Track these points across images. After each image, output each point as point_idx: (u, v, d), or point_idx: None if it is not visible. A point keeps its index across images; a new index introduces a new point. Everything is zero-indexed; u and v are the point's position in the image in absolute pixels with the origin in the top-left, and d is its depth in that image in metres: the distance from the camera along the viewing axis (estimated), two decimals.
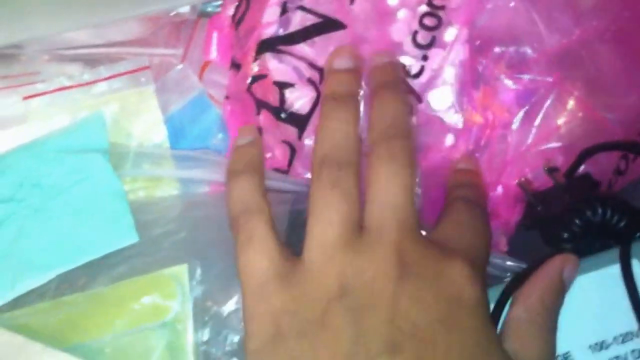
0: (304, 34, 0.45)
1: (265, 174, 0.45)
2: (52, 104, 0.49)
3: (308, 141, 0.45)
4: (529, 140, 0.43)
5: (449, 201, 0.40)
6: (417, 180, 0.40)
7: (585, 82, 0.43)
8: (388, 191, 0.36)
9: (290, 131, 0.45)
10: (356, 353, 0.33)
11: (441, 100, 0.43)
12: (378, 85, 0.41)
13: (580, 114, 0.43)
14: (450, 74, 0.43)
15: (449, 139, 0.43)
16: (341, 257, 0.35)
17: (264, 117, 0.46)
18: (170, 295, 0.39)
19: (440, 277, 0.34)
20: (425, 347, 0.33)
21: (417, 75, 0.43)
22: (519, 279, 0.37)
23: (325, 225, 0.36)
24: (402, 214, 0.36)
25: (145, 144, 0.48)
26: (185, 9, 0.50)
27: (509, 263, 0.41)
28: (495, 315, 0.36)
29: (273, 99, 0.45)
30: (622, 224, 0.38)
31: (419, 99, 0.43)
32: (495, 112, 0.43)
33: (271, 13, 0.46)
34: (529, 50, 0.43)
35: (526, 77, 0.43)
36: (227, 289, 0.40)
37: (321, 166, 0.37)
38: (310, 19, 0.45)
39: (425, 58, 0.43)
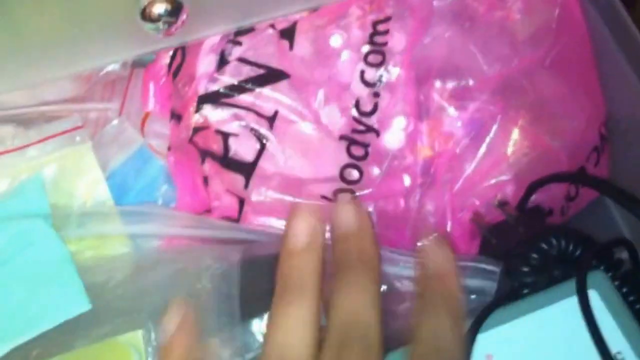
0: (246, 85, 0.44)
1: (214, 224, 0.44)
2: None
3: (255, 193, 0.44)
4: (477, 171, 0.43)
5: (418, 318, 0.33)
6: None
7: (529, 109, 0.43)
8: None
9: (237, 180, 0.45)
10: None
11: (394, 139, 0.43)
12: (342, 264, 0.33)
13: (526, 142, 0.43)
14: (399, 110, 0.43)
15: (406, 179, 0.43)
16: None
17: (209, 166, 0.46)
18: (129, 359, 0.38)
19: None
20: None
21: (372, 112, 0.43)
22: (484, 314, 0.36)
23: None
24: None
25: (89, 203, 0.47)
26: (115, 66, 0.49)
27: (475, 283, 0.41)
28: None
29: (217, 147, 0.45)
30: (577, 253, 0.38)
31: (377, 133, 0.43)
32: (441, 144, 0.43)
33: (208, 63, 0.46)
34: (471, 81, 0.43)
35: (470, 107, 0.43)
36: None
37: None
38: (251, 70, 0.44)
39: (376, 95, 0.43)
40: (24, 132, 0.49)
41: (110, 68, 0.49)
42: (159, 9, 0.39)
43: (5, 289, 0.42)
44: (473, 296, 0.40)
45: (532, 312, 0.37)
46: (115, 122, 0.51)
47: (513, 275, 0.39)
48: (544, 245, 0.38)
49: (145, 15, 0.40)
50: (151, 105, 0.50)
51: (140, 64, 0.52)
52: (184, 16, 0.40)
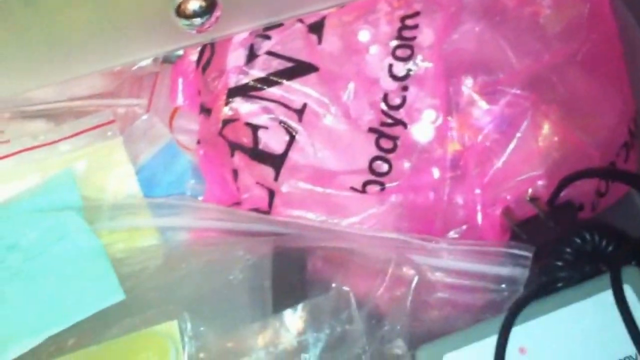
0: (275, 78, 0.45)
1: (244, 216, 0.44)
2: (19, 165, 0.47)
3: (286, 185, 0.45)
4: (507, 165, 0.43)
5: None
6: None
7: (559, 105, 0.43)
8: None
9: (267, 172, 0.45)
10: None
11: (423, 132, 0.43)
12: None
13: (556, 138, 0.43)
14: (428, 103, 0.43)
15: (436, 172, 0.43)
16: None
17: (239, 159, 0.46)
18: (163, 352, 0.38)
19: None
20: None
21: (400, 106, 0.43)
22: (518, 307, 0.37)
23: None
24: None
25: (120, 196, 0.47)
26: (147, 62, 0.50)
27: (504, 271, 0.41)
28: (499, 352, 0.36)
29: (246, 140, 0.45)
30: (610, 248, 0.38)
31: (406, 126, 0.44)
32: (471, 138, 0.44)
33: (237, 57, 0.46)
34: (501, 75, 0.43)
35: (500, 102, 0.43)
36: (220, 342, 0.39)
37: None
38: (280, 64, 0.44)
39: (405, 89, 0.43)
40: (56, 127, 0.49)
41: (142, 64, 0.49)
42: (194, 5, 0.40)
43: (40, 281, 0.42)
44: (504, 285, 0.40)
45: (566, 306, 0.38)
46: (144, 117, 0.51)
47: (546, 269, 0.39)
48: (578, 240, 0.38)
49: (180, 12, 0.40)
50: (180, 100, 0.51)
51: (167, 60, 0.53)
52: (217, 13, 0.41)
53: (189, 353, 0.39)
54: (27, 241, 0.43)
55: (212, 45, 0.48)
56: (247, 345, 0.39)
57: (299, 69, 0.45)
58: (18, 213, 0.45)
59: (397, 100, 0.44)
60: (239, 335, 0.39)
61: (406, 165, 0.44)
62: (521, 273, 0.40)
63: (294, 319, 0.40)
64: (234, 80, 0.46)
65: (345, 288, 0.41)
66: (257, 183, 0.46)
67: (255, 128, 0.45)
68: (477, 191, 0.44)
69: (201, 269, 0.42)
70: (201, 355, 0.39)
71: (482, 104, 0.44)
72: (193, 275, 0.42)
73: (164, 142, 0.51)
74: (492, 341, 0.37)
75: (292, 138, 0.45)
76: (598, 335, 0.37)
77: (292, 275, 0.42)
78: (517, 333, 0.37)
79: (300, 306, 0.40)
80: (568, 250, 0.39)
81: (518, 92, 0.43)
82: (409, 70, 0.44)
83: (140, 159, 0.50)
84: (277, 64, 0.45)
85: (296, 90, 0.45)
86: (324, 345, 0.40)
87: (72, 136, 0.49)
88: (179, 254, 0.45)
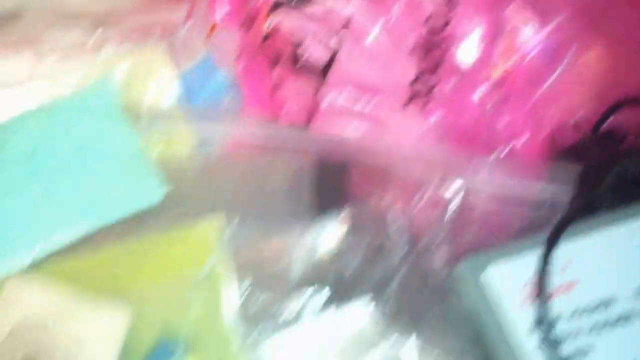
0: None
1: (284, 130, 0.44)
2: (60, 71, 0.47)
3: (326, 100, 0.45)
4: (552, 91, 0.43)
5: None
6: None
7: (605, 35, 0.43)
8: None
9: (307, 87, 0.45)
10: None
11: (468, 53, 0.43)
12: None
13: (602, 66, 0.43)
14: (473, 26, 0.43)
15: (478, 95, 0.43)
16: None
17: (279, 73, 0.46)
18: (204, 248, 0.39)
19: None
20: None
21: (444, 27, 0.43)
22: (562, 225, 0.37)
23: None
24: None
25: (159, 104, 0.47)
26: None
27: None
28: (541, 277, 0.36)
29: (288, 54, 0.45)
30: None
31: (450, 47, 0.43)
32: (516, 62, 0.43)
33: None
34: (549, 3, 0.43)
35: (547, 28, 0.43)
36: (260, 244, 0.39)
37: None
38: None
39: (450, 10, 0.43)
40: (97, 35, 0.49)
41: None
42: None
43: (82, 179, 0.42)
44: (545, 207, 0.40)
45: (607, 227, 0.38)
46: (183, 30, 0.51)
47: (588, 193, 0.39)
48: (622, 166, 0.38)
49: None
50: (219, 15, 0.50)
51: None
52: None
53: (229, 252, 0.39)
54: (69, 141, 0.43)
55: None
56: (287, 248, 0.39)
57: None
58: (61, 114, 0.45)
59: (441, 22, 0.44)
60: (279, 237, 0.40)
61: (449, 86, 0.44)
62: (563, 195, 0.40)
63: (333, 226, 0.40)
64: None
65: (385, 202, 0.41)
66: (297, 98, 0.46)
67: (296, 43, 0.45)
68: (520, 115, 0.43)
69: (240, 177, 0.42)
70: (241, 255, 0.39)
71: (528, 30, 0.43)
72: (232, 183, 0.43)
73: (201, 57, 0.50)
74: (534, 257, 0.37)
75: (334, 54, 0.44)
76: (638, 257, 0.37)
77: (331, 189, 0.43)
78: (559, 252, 0.38)
79: (340, 214, 0.40)
80: (611, 175, 0.39)
81: (566, 19, 0.43)
82: None
83: (177, 72, 0.50)
84: None
85: (339, 8, 0.44)
86: (362, 255, 0.40)
87: (113, 43, 0.48)
88: (218, 163, 0.45)
